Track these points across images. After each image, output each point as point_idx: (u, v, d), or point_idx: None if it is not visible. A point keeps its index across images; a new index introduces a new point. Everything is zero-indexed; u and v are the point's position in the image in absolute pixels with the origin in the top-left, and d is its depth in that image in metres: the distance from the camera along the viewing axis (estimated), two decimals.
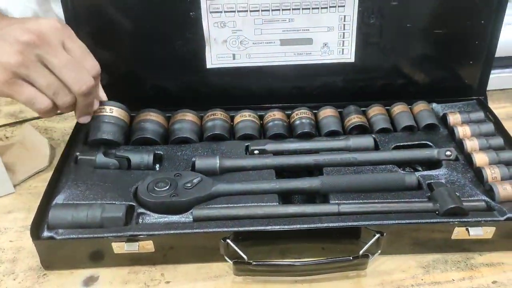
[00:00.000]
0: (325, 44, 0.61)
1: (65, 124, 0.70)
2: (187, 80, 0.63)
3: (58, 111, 0.50)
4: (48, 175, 0.60)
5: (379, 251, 0.47)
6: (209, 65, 0.62)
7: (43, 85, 0.47)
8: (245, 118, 0.61)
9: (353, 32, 0.60)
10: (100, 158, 0.55)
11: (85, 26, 0.58)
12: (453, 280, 0.47)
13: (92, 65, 0.50)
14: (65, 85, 0.48)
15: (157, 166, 0.56)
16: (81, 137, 0.59)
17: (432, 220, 0.47)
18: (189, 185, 0.51)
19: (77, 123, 0.57)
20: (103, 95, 0.56)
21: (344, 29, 0.60)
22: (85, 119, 0.53)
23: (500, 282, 0.46)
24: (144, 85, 0.64)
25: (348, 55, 0.62)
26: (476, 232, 0.46)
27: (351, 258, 0.45)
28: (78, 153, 0.56)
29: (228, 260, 0.47)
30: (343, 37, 0.60)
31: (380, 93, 0.64)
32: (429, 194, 0.50)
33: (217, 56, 0.62)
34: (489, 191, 0.50)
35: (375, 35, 0.60)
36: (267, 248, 0.48)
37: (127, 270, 0.49)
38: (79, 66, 0.48)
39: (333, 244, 0.49)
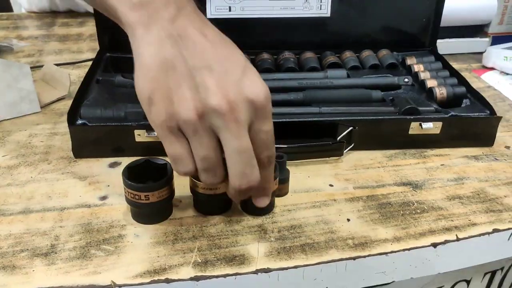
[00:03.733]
0: (306, 0, 0.75)
1: (80, 71, 0.80)
2: None
3: None
4: (69, 102, 0.70)
5: (353, 144, 0.59)
6: (208, 15, 0.74)
7: (199, 155, 0.39)
8: None
9: None
10: (118, 78, 0.65)
11: None
12: (411, 164, 0.58)
13: (270, 155, 0.41)
14: (229, 173, 0.39)
15: None
16: (100, 67, 0.69)
17: (393, 117, 0.59)
18: None
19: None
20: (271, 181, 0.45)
21: None
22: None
23: (446, 165, 0.58)
24: None
25: (325, 11, 0.75)
26: (427, 126, 0.58)
27: (330, 143, 0.57)
28: (98, 77, 0.66)
29: None
30: None
31: (351, 44, 0.77)
32: (391, 104, 0.62)
33: (216, 7, 0.74)
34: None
35: None
36: None
37: None
38: (253, 160, 0.39)
39: (314, 140, 0.60)
